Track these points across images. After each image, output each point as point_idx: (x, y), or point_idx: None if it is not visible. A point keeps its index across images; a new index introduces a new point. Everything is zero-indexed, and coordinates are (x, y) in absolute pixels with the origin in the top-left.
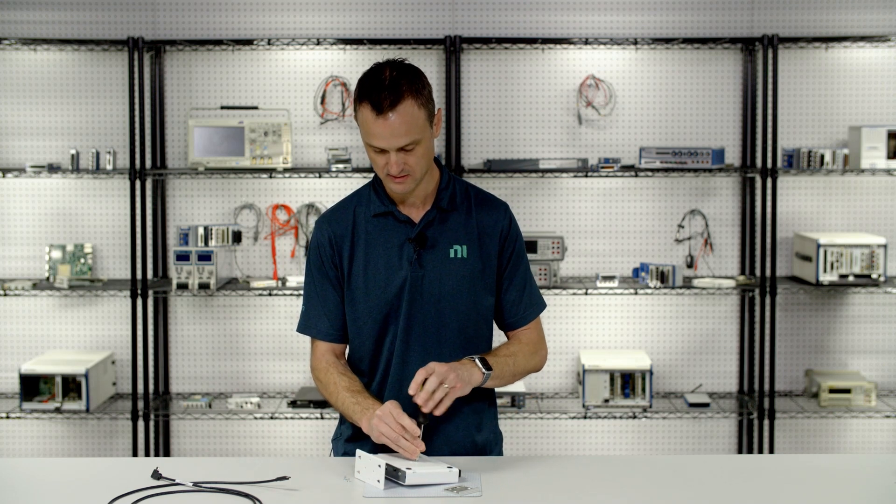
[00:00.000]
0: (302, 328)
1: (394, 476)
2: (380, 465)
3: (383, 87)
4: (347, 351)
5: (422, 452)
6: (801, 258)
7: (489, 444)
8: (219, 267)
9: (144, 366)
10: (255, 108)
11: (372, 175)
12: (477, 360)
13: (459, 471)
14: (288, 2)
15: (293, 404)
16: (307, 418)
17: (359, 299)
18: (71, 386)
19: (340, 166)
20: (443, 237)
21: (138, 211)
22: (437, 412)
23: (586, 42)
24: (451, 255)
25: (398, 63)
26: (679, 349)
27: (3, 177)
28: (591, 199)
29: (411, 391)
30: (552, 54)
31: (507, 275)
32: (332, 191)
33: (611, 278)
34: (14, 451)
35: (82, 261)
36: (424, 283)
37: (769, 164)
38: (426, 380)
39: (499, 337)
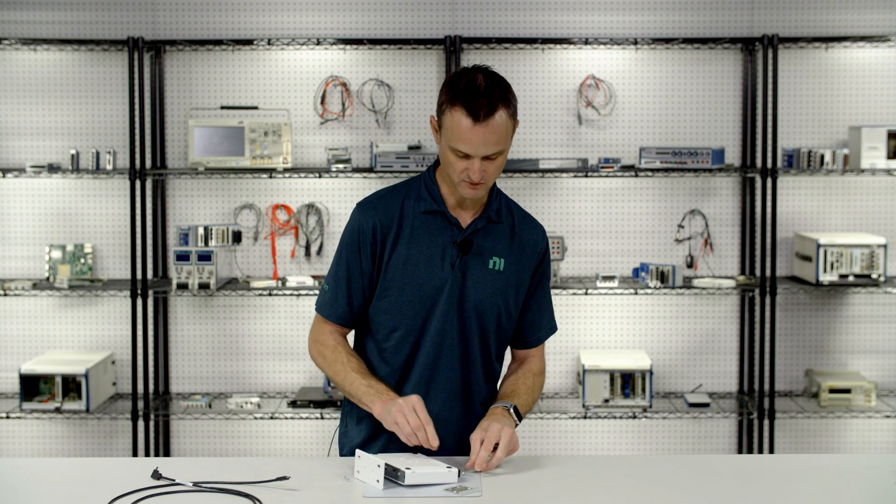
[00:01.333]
0: (319, 307)
1: (393, 476)
2: (379, 465)
3: (479, 94)
4: (373, 342)
5: (421, 453)
6: (801, 258)
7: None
8: (219, 267)
9: (144, 366)
10: (255, 108)
11: (429, 166)
12: (512, 412)
13: (459, 471)
14: (288, 2)
15: (293, 404)
16: (307, 418)
17: (392, 292)
18: (71, 386)
19: (340, 166)
20: (486, 247)
21: (138, 211)
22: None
23: (586, 42)
24: (491, 265)
25: (488, 70)
26: (679, 349)
27: (3, 177)
28: (591, 199)
29: (470, 463)
30: (552, 54)
31: (534, 296)
32: (332, 191)
33: (611, 278)
34: (14, 451)
35: (82, 261)
36: (463, 290)
37: (769, 164)
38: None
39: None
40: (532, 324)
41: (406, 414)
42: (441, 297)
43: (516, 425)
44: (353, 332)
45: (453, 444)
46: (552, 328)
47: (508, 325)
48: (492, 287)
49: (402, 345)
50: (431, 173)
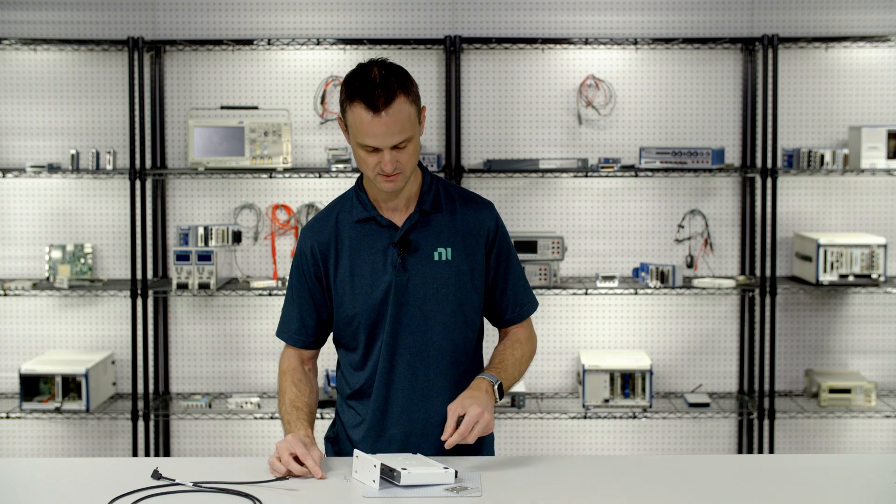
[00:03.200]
0: (278, 331)
1: (389, 476)
2: (375, 465)
3: (375, 86)
4: (343, 355)
5: (420, 453)
6: (801, 258)
7: (477, 446)
8: (219, 267)
9: (144, 366)
10: (255, 108)
11: (358, 177)
12: (496, 390)
13: (456, 471)
14: (288, 2)
15: None
16: None
17: (346, 305)
18: (71, 386)
19: (340, 166)
20: (426, 240)
21: (138, 211)
22: (469, 440)
23: (586, 42)
24: (436, 257)
25: (383, 62)
26: (679, 349)
27: (3, 177)
28: (591, 199)
29: (444, 436)
30: (552, 54)
31: (500, 276)
32: (332, 191)
33: (611, 278)
34: (14, 451)
35: (82, 261)
36: (409, 287)
37: (769, 164)
38: (459, 418)
39: (489, 334)
40: (508, 305)
41: (280, 453)
42: (390, 299)
43: (496, 402)
44: (317, 353)
45: (421, 442)
46: (531, 305)
47: (473, 313)
48: (441, 278)
49: (366, 353)
50: (360, 182)
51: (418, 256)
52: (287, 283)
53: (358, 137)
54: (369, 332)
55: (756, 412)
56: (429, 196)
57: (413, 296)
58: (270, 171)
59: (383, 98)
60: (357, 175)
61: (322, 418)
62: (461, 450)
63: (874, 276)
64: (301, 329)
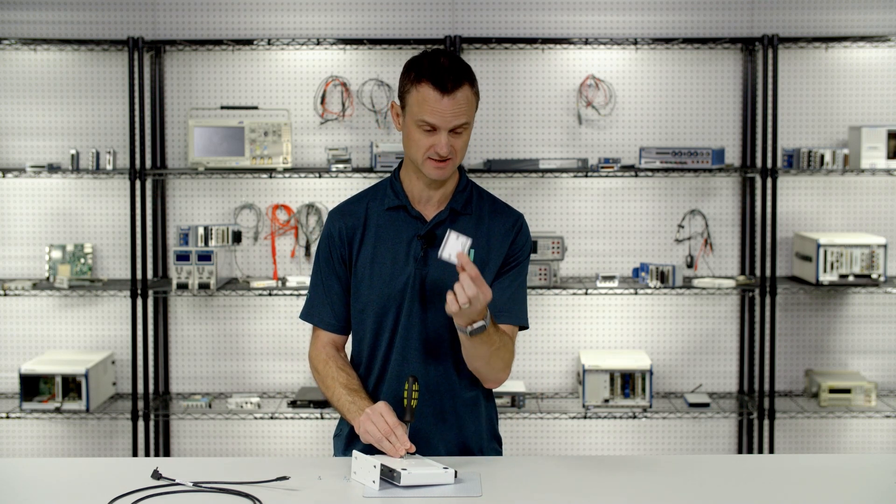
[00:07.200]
0: (305, 315)
1: (389, 477)
2: (375, 466)
3: (445, 69)
4: (354, 350)
5: (418, 453)
6: (801, 258)
7: (485, 448)
8: (219, 267)
9: (144, 366)
10: (255, 108)
11: (395, 167)
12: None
13: (455, 472)
14: (288, 2)
15: (293, 404)
16: (307, 418)
17: (363, 291)
18: (71, 386)
19: (340, 166)
20: None
21: (138, 211)
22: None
23: (586, 42)
24: None
25: (450, 52)
26: (679, 349)
27: (3, 177)
28: (591, 199)
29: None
30: (552, 54)
31: (500, 280)
32: (332, 191)
33: (611, 278)
34: (14, 451)
35: (82, 261)
36: (427, 282)
37: (769, 164)
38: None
39: None
40: (493, 306)
41: (374, 421)
42: (407, 291)
43: (486, 321)
44: (346, 341)
45: (430, 438)
46: (515, 316)
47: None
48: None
49: (377, 343)
50: (396, 172)
51: None
52: (313, 268)
53: (420, 115)
54: (380, 322)
55: (756, 412)
56: (462, 196)
57: (430, 291)
58: (270, 171)
59: (452, 80)
60: (364, 174)
61: (322, 418)
62: (464, 450)
63: (874, 276)
64: (331, 314)
